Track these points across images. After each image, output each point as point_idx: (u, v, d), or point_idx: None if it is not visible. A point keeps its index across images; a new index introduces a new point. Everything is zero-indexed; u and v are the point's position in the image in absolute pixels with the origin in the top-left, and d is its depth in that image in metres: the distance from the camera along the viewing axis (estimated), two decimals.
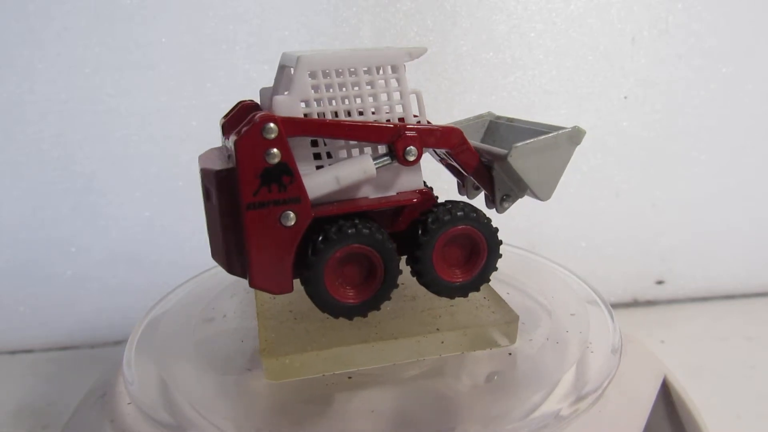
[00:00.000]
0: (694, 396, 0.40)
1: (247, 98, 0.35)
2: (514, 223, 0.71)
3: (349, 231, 0.30)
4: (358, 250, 0.30)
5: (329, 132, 0.30)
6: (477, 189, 0.37)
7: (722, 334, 0.68)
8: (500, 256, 0.33)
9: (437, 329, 0.33)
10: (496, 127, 0.40)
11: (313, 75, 0.30)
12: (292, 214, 0.29)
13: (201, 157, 0.32)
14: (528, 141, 0.32)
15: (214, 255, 0.31)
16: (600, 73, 0.68)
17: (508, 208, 0.35)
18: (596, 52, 0.67)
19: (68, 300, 0.69)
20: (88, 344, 0.70)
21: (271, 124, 0.28)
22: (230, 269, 0.30)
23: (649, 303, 0.76)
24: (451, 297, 0.34)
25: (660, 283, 0.76)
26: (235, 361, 0.35)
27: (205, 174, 0.30)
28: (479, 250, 0.33)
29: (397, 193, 0.33)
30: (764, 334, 0.67)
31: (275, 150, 0.28)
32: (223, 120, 0.34)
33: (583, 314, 0.38)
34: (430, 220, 0.31)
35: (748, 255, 0.75)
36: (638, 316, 0.73)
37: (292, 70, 0.33)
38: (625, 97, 0.69)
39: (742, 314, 0.73)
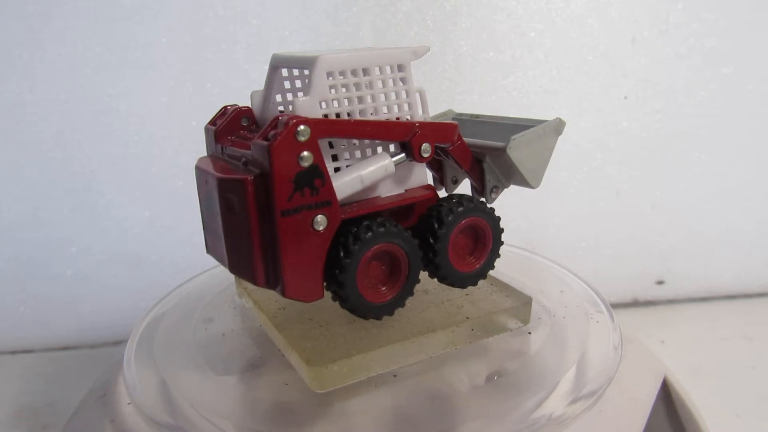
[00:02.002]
0: (694, 396, 0.40)
1: (238, 102, 0.35)
2: (514, 223, 0.71)
3: (380, 230, 0.30)
4: (385, 248, 0.30)
5: (355, 132, 0.30)
6: (455, 183, 0.38)
7: (722, 334, 0.68)
8: (502, 243, 0.35)
9: (467, 317, 0.34)
10: (461, 123, 0.41)
11: (330, 75, 0.30)
12: (324, 218, 0.28)
13: (205, 168, 0.31)
14: (523, 133, 0.34)
15: (235, 269, 0.30)
16: (600, 73, 0.68)
17: (495, 198, 0.36)
18: (596, 52, 0.67)
19: (68, 300, 0.69)
20: (88, 344, 0.70)
21: (303, 127, 0.27)
22: (257, 281, 0.29)
23: (649, 303, 0.76)
24: (464, 286, 0.34)
25: (660, 283, 0.76)
26: (235, 361, 0.35)
27: (229, 184, 0.28)
28: (486, 239, 0.34)
29: (406, 191, 0.33)
30: (764, 334, 0.67)
31: (307, 153, 0.27)
32: (213, 127, 0.33)
33: (583, 314, 0.38)
34: (443, 213, 0.32)
35: (748, 255, 0.76)
36: (638, 316, 0.73)
37: (285, 71, 0.33)
38: (625, 97, 0.69)
39: (742, 314, 0.73)
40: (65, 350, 0.69)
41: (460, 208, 0.32)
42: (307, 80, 0.34)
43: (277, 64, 0.33)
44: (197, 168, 0.32)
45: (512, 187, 0.37)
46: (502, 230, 0.34)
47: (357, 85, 0.31)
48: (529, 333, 0.36)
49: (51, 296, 0.69)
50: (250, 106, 0.34)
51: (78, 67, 0.62)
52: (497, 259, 0.35)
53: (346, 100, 0.30)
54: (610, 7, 0.66)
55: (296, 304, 0.34)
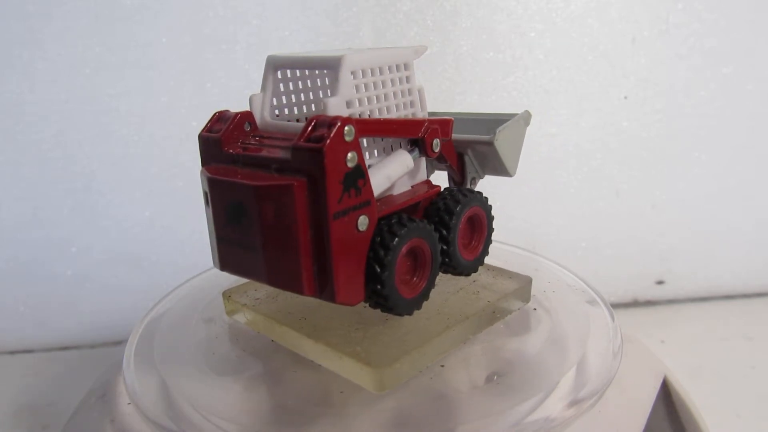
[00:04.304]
0: (694, 396, 0.40)
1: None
2: (515, 224, 0.71)
3: (412, 224, 0.30)
4: (415, 243, 0.31)
5: (384, 130, 0.30)
6: None
7: (722, 334, 0.68)
8: (493, 229, 0.36)
9: (488, 301, 0.35)
10: None
11: (354, 75, 0.30)
12: (366, 219, 0.28)
13: (226, 178, 0.29)
14: (504, 125, 0.37)
15: (276, 280, 0.29)
16: (600, 73, 0.68)
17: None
18: (596, 52, 0.67)
19: (68, 300, 0.69)
20: (88, 344, 0.70)
21: (349, 127, 0.27)
22: (304, 290, 0.28)
23: (649, 303, 0.76)
24: (469, 274, 0.35)
25: (660, 283, 0.76)
26: (235, 361, 0.35)
27: (274, 191, 0.27)
28: (482, 226, 0.35)
29: (412, 187, 0.34)
30: (764, 334, 0.67)
31: (353, 153, 0.27)
32: (214, 134, 0.31)
33: (583, 314, 0.38)
34: (451, 204, 0.33)
35: (748, 255, 0.76)
36: (638, 316, 0.73)
37: (289, 72, 0.33)
38: (625, 97, 0.69)
39: (742, 314, 0.73)
40: (65, 350, 0.69)
41: (465, 199, 0.33)
42: (322, 80, 0.34)
43: (279, 65, 0.32)
44: (211, 179, 0.30)
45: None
46: (492, 217, 0.36)
47: (375, 84, 0.31)
48: (534, 309, 0.38)
49: (51, 296, 0.69)
50: (250, 109, 0.33)
51: (78, 67, 0.62)
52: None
53: (366, 99, 0.31)
54: (610, 7, 0.66)
55: (316, 313, 0.34)
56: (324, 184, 0.26)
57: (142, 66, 0.63)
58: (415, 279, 0.32)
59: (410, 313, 0.32)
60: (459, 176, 0.38)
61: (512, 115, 0.38)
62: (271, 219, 0.27)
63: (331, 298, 0.28)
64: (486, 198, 0.35)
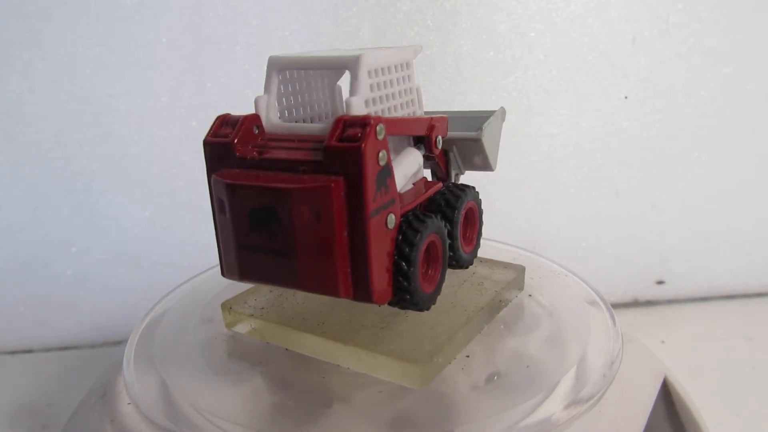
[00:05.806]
0: (694, 396, 0.40)
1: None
2: (515, 224, 0.71)
3: (429, 221, 0.30)
4: (432, 239, 0.31)
5: (401, 128, 0.31)
6: None
7: (722, 334, 0.68)
8: (483, 222, 0.38)
9: (495, 291, 0.37)
10: None
11: (369, 74, 0.30)
12: (393, 216, 0.28)
13: (251, 183, 0.28)
14: (488, 121, 0.38)
15: (309, 284, 0.28)
16: (600, 73, 0.68)
17: None
18: (596, 52, 0.67)
19: (68, 300, 0.69)
20: (88, 344, 0.70)
21: (381, 126, 0.27)
22: (339, 291, 0.28)
23: (649, 303, 0.76)
24: (467, 267, 0.36)
25: (660, 283, 0.76)
26: (235, 361, 0.35)
27: (312, 193, 0.26)
28: (474, 220, 0.36)
29: (414, 185, 0.34)
30: (764, 334, 0.67)
31: (383, 152, 0.27)
32: (222, 139, 0.30)
33: (583, 314, 0.38)
34: (452, 200, 0.34)
35: (748, 255, 0.76)
36: (638, 316, 0.73)
37: (295, 72, 0.33)
38: (626, 97, 0.69)
39: (742, 314, 0.73)
40: (65, 350, 0.69)
41: (463, 193, 0.34)
42: (328, 81, 0.35)
43: (283, 66, 0.32)
44: (232, 185, 0.29)
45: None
46: (482, 210, 0.37)
47: (384, 83, 0.31)
48: (530, 296, 0.40)
49: (51, 296, 0.69)
50: (256, 111, 0.32)
51: (78, 67, 0.62)
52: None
53: (378, 99, 0.31)
54: (610, 7, 0.66)
55: (330, 316, 0.34)
56: (362, 183, 0.26)
57: (142, 66, 0.63)
58: (430, 273, 0.32)
59: (429, 308, 0.32)
60: (443, 173, 0.39)
61: (490, 112, 0.39)
62: (307, 221, 0.27)
63: (367, 297, 0.28)
64: (477, 192, 0.36)
